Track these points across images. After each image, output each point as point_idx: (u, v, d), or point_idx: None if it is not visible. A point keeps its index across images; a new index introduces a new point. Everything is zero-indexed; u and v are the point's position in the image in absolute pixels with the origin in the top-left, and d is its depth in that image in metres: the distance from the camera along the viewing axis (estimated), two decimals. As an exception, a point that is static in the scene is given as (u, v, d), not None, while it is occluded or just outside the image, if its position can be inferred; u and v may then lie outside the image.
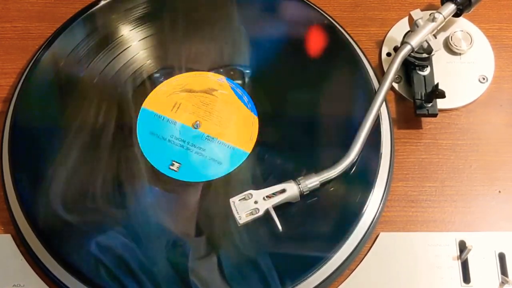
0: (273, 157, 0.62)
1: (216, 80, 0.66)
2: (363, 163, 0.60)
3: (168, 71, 0.66)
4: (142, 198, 0.60)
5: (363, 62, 0.66)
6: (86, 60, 0.66)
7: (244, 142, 0.62)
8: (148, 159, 0.61)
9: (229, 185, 0.60)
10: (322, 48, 0.68)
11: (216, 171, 0.61)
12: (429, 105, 0.64)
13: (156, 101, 0.64)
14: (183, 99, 0.64)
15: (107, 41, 0.67)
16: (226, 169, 0.61)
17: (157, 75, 0.66)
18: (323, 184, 0.58)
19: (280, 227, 0.55)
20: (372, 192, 0.59)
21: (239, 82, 0.66)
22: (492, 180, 0.63)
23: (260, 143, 0.62)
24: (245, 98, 0.64)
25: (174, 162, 0.61)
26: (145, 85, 0.66)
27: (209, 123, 0.63)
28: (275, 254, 0.57)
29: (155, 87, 0.65)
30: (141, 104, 0.64)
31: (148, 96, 0.65)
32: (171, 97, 0.64)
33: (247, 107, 0.64)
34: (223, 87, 0.65)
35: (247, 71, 0.66)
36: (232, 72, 0.66)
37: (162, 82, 0.66)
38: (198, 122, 0.63)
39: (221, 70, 0.66)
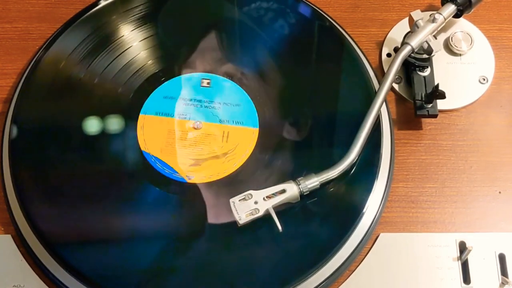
0: (273, 157, 0.62)
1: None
2: (363, 164, 0.60)
3: (168, 72, 0.66)
4: (144, 199, 0.60)
5: (363, 63, 0.67)
6: (86, 60, 0.66)
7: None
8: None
9: (231, 184, 0.60)
10: (322, 49, 0.68)
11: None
12: (429, 105, 0.64)
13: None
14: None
15: (107, 42, 0.67)
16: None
17: (157, 75, 0.66)
18: (323, 185, 0.58)
19: (280, 227, 0.55)
20: (372, 192, 0.59)
21: (239, 82, 0.66)
22: (493, 181, 0.63)
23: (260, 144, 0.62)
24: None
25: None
26: (145, 85, 0.66)
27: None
28: (275, 254, 0.57)
29: (154, 88, 0.65)
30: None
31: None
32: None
33: None
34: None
35: (246, 71, 0.66)
36: (231, 73, 0.66)
37: (162, 81, 0.66)
38: (198, 123, 0.63)
39: (221, 70, 0.66)
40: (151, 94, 0.65)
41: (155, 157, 0.62)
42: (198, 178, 0.61)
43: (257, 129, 0.63)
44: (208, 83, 0.66)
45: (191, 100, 0.65)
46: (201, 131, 0.63)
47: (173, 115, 0.64)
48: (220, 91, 0.66)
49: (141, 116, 0.64)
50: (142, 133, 0.63)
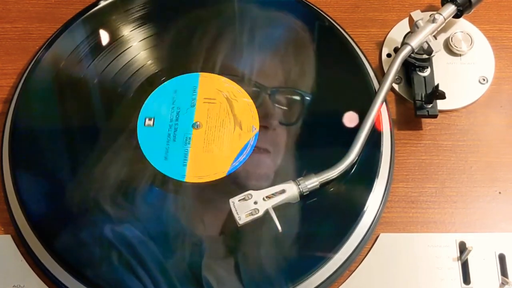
0: (273, 157, 0.62)
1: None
2: (363, 164, 0.60)
3: (168, 72, 0.66)
4: (144, 199, 0.60)
5: (363, 63, 0.67)
6: (86, 60, 0.66)
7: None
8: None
9: (230, 185, 0.60)
10: (322, 49, 0.68)
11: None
12: (429, 106, 0.64)
13: None
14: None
15: (107, 42, 0.67)
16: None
17: (157, 75, 0.66)
18: (323, 185, 0.58)
19: (280, 227, 0.55)
20: (372, 192, 0.59)
21: (239, 82, 0.66)
22: (492, 181, 0.63)
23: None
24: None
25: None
26: (145, 85, 0.66)
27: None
28: (275, 254, 0.57)
29: (154, 88, 0.65)
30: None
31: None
32: None
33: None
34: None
35: (246, 71, 0.66)
36: (230, 71, 0.66)
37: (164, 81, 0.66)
38: (198, 123, 0.64)
39: (219, 70, 0.66)
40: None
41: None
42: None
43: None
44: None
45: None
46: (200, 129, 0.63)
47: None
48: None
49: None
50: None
